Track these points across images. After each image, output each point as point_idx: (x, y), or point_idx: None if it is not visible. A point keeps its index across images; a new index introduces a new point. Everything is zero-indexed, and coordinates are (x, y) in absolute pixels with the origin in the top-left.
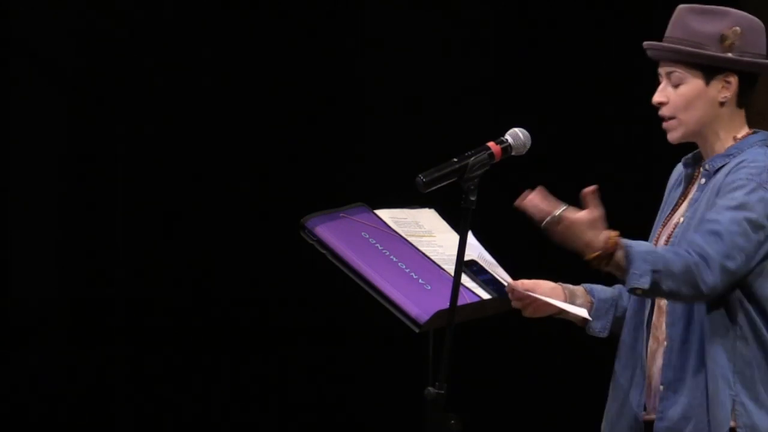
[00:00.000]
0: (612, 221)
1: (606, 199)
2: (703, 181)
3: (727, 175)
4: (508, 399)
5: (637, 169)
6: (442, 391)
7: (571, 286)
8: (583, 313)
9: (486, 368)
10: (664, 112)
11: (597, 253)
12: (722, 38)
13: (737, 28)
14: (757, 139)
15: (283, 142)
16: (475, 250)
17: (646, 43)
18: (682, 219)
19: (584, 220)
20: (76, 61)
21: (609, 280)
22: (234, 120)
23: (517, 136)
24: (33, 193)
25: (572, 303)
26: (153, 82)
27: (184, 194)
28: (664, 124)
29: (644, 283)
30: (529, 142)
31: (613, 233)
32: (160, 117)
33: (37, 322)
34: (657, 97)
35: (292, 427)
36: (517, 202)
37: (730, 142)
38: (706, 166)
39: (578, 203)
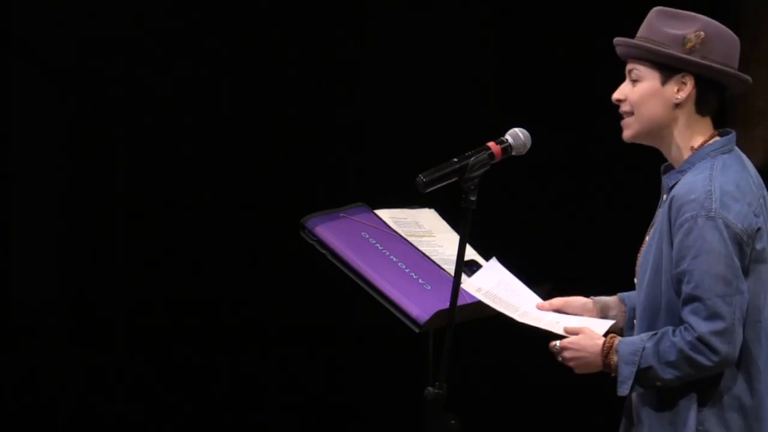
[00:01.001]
0: (612, 220)
1: (605, 200)
2: (664, 197)
3: (670, 207)
4: (508, 399)
5: (639, 170)
6: (442, 391)
7: (604, 299)
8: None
9: (486, 368)
10: (622, 108)
11: (602, 364)
12: (684, 40)
13: (701, 32)
14: (712, 149)
15: (283, 142)
16: (496, 276)
17: (614, 40)
18: (647, 239)
19: (579, 338)
20: (76, 61)
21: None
22: (234, 120)
23: (517, 136)
24: (33, 193)
25: (605, 316)
26: (153, 83)
27: (184, 194)
28: (621, 122)
29: (624, 390)
30: (529, 142)
31: (609, 338)
32: (160, 117)
33: (37, 322)
34: (615, 94)
35: (291, 427)
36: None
37: (687, 153)
38: (663, 183)
39: (579, 204)
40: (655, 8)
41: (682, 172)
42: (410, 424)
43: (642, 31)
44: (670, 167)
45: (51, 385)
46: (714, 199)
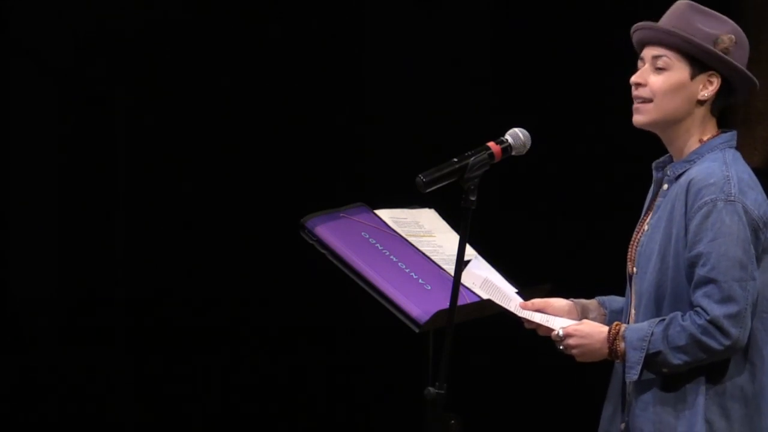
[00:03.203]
0: (609, 218)
1: (604, 199)
2: (665, 187)
3: (687, 192)
4: (508, 399)
5: (637, 167)
6: (442, 391)
7: (584, 301)
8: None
9: (486, 368)
10: (640, 92)
11: (608, 351)
12: (717, 41)
13: (733, 36)
14: (719, 142)
15: (283, 141)
16: (482, 274)
17: (639, 24)
18: (647, 227)
19: (583, 326)
20: (76, 61)
21: (622, 290)
22: (234, 120)
23: (517, 136)
24: (33, 193)
25: (584, 318)
26: (154, 83)
27: (184, 194)
28: (636, 106)
29: (633, 375)
30: (529, 142)
31: (615, 326)
32: (161, 117)
33: (37, 322)
34: (636, 78)
35: (291, 427)
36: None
37: (695, 145)
38: (668, 172)
39: (579, 204)
40: (684, 1)
41: (691, 161)
42: (410, 424)
43: (671, 20)
44: (669, 160)
45: (51, 385)
46: (733, 184)
